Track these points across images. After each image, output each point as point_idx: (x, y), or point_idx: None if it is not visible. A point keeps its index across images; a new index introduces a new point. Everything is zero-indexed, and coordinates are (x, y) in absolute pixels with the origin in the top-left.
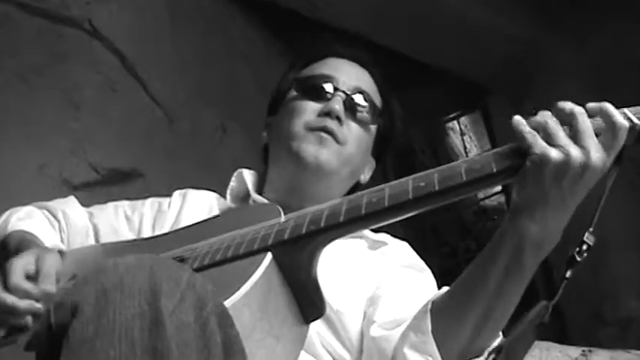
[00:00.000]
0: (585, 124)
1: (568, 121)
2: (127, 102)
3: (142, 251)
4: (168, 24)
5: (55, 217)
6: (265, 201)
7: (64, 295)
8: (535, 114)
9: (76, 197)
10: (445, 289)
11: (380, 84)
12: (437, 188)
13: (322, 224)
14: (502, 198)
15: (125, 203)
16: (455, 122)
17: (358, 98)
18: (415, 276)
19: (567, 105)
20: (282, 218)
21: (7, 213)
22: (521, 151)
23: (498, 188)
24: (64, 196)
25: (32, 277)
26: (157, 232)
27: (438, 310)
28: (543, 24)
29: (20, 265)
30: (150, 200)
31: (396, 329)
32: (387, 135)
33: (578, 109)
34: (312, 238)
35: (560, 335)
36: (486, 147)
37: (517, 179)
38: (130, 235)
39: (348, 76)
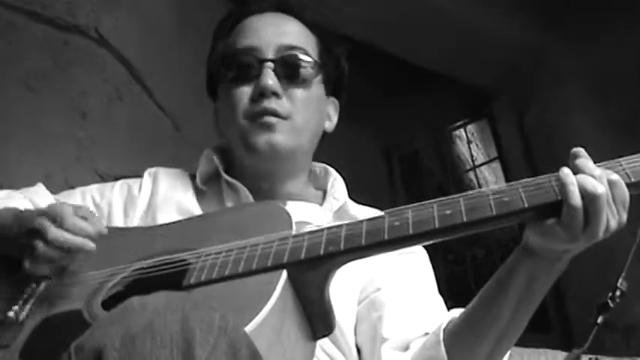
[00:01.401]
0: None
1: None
2: (133, 110)
3: (136, 246)
4: (174, 32)
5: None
6: (237, 183)
7: (85, 337)
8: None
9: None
10: (454, 314)
11: (312, 25)
12: (465, 220)
13: (342, 247)
14: None
15: (93, 187)
16: (462, 130)
17: (290, 58)
18: (411, 263)
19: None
20: (294, 229)
21: None
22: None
23: None
24: None
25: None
26: (130, 218)
27: (451, 340)
28: (545, 28)
29: (71, 208)
30: (119, 183)
31: (407, 352)
32: (337, 76)
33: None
34: (330, 259)
35: (567, 340)
36: (493, 155)
37: (542, 228)
38: None
39: (272, 35)
